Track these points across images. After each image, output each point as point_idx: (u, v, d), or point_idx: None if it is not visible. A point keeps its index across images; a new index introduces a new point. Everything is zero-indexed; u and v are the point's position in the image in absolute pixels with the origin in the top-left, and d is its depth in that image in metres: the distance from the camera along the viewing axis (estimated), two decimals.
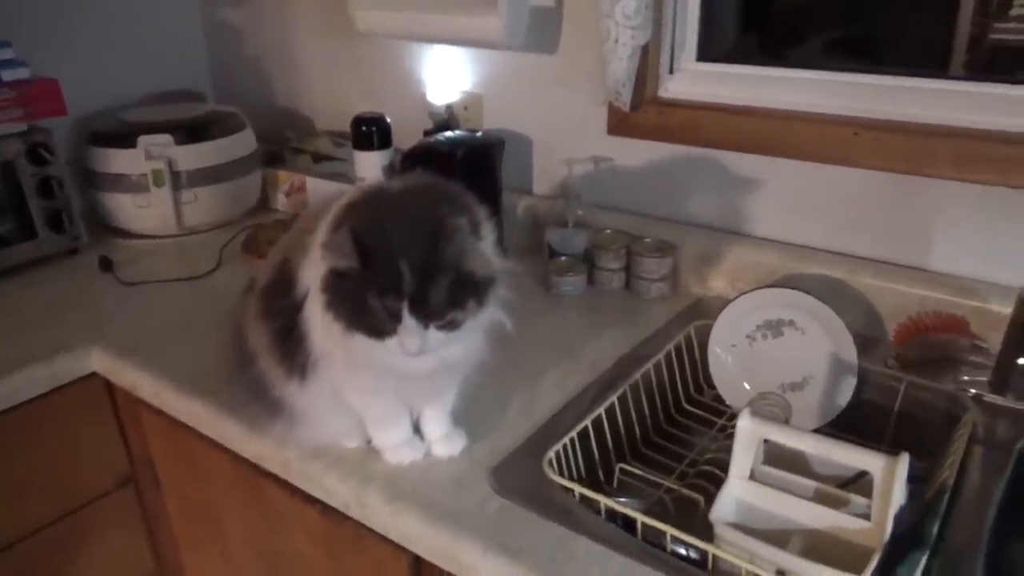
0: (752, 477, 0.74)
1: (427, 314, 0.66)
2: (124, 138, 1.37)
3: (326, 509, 0.83)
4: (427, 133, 1.36)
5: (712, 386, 1.00)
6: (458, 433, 0.84)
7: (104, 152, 1.38)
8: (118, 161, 1.37)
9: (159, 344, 1.06)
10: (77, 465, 1.11)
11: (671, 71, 1.19)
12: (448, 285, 0.66)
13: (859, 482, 0.74)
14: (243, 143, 1.49)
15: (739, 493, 0.73)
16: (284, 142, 1.59)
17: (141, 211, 1.39)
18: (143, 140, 1.36)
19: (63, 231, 1.34)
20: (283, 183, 1.54)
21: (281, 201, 1.56)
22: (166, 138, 1.37)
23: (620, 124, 1.21)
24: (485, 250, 0.72)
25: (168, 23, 1.69)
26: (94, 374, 1.08)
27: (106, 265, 1.30)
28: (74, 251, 1.37)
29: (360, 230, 0.66)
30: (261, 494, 0.93)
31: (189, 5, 1.73)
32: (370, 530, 0.79)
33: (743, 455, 0.73)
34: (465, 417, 0.86)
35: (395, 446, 0.82)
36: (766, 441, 0.74)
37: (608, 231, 1.22)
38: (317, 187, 1.49)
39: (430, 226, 0.67)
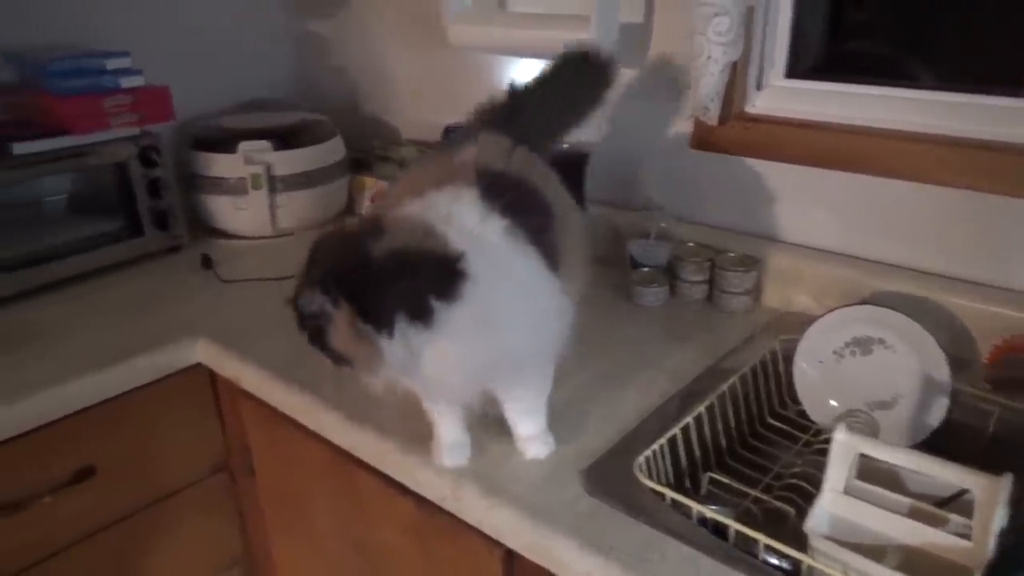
0: (846, 491, 0.75)
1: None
2: (225, 144, 1.45)
3: (420, 501, 0.87)
4: None
5: (796, 401, 1.01)
6: (548, 436, 0.87)
7: (206, 156, 1.46)
8: (219, 165, 1.45)
9: (257, 338, 1.11)
10: (176, 451, 1.18)
11: (759, 87, 1.20)
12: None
13: (957, 501, 0.74)
14: (333, 150, 1.56)
15: (833, 507, 0.74)
16: (370, 150, 1.65)
17: (239, 213, 1.46)
18: (243, 146, 1.44)
19: (167, 230, 1.42)
20: (369, 189, 1.60)
21: (366, 206, 1.61)
22: (264, 144, 1.44)
23: (705, 138, 1.22)
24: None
25: (259, 34, 1.78)
26: (198, 364, 1.14)
27: (207, 263, 1.37)
28: (175, 249, 1.45)
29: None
30: (354, 484, 0.97)
31: (280, 18, 1.81)
32: (464, 523, 0.82)
33: (838, 469, 0.73)
34: (552, 419, 0.88)
35: (440, 446, 0.84)
36: (861, 456, 0.74)
37: (691, 244, 1.24)
38: None
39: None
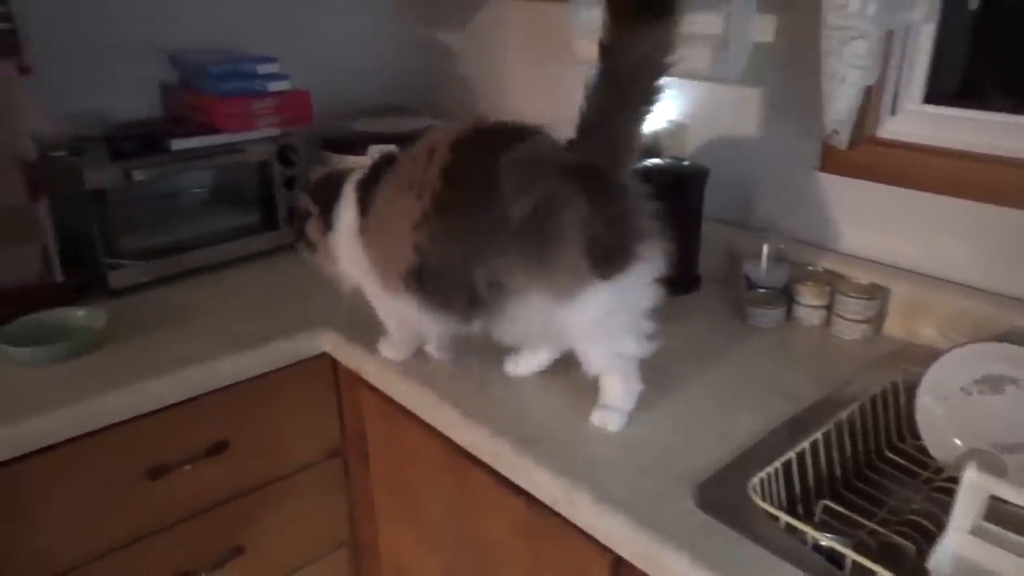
0: (972, 532, 0.73)
1: None
2: (356, 146, 1.53)
3: (531, 501, 0.90)
4: None
5: (916, 436, 0.98)
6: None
7: (338, 158, 1.55)
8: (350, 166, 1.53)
9: (381, 332, 1.17)
10: (298, 433, 1.25)
11: (893, 112, 1.18)
12: None
13: None
14: None
15: (958, 547, 0.72)
16: None
17: None
18: (373, 148, 1.51)
19: None
20: None
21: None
22: (392, 148, 1.51)
23: (833, 161, 1.20)
24: None
25: (392, 44, 1.87)
26: (323, 354, 1.22)
27: None
28: None
29: None
30: (466, 480, 1.02)
31: (412, 28, 1.90)
32: (574, 527, 0.85)
33: (966, 509, 0.72)
34: (664, 431, 0.90)
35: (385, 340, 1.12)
36: (991, 498, 0.72)
37: (811, 267, 1.22)
38: None
39: None
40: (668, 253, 0.90)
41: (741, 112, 1.32)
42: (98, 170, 1.26)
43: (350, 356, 1.16)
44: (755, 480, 0.82)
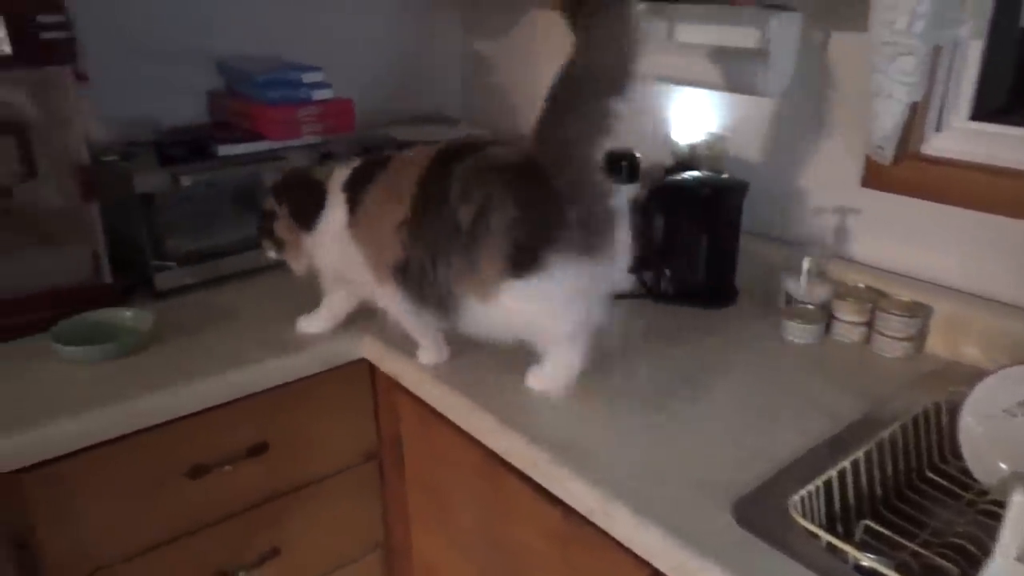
0: (1019, 559, 0.71)
1: None
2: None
3: (568, 511, 0.90)
4: (668, 171, 1.42)
5: (959, 457, 0.96)
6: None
7: None
8: None
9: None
10: (335, 436, 1.27)
11: (938, 128, 1.16)
12: None
13: None
14: None
15: (1005, 573, 0.71)
16: None
17: None
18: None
19: None
20: None
21: None
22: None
23: (876, 177, 1.19)
24: None
25: (433, 53, 1.89)
26: (362, 359, 1.23)
27: None
28: None
29: None
30: (502, 486, 1.02)
31: (452, 38, 1.92)
32: (611, 538, 0.85)
33: (1014, 534, 0.70)
34: (702, 444, 0.90)
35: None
36: None
37: (851, 283, 1.21)
38: None
39: None
40: (631, 257, 1.00)
41: (783, 126, 1.32)
42: (147, 175, 1.29)
43: (388, 361, 1.18)
44: (795, 498, 0.81)
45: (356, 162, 1.12)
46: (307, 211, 1.11)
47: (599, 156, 0.96)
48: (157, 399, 1.05)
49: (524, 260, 0.92)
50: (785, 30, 1.18)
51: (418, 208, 0.98)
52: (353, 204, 1.07)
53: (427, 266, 0.99)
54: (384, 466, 1.33)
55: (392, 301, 1.07)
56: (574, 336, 1.01)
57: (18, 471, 0.96)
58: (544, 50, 1.75)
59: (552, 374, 1.03)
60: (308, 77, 1.44)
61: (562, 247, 0.92)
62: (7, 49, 1.08)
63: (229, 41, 1.59)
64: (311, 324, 1.23)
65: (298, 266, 1.18)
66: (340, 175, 1.11)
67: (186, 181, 1.31)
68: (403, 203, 1.00)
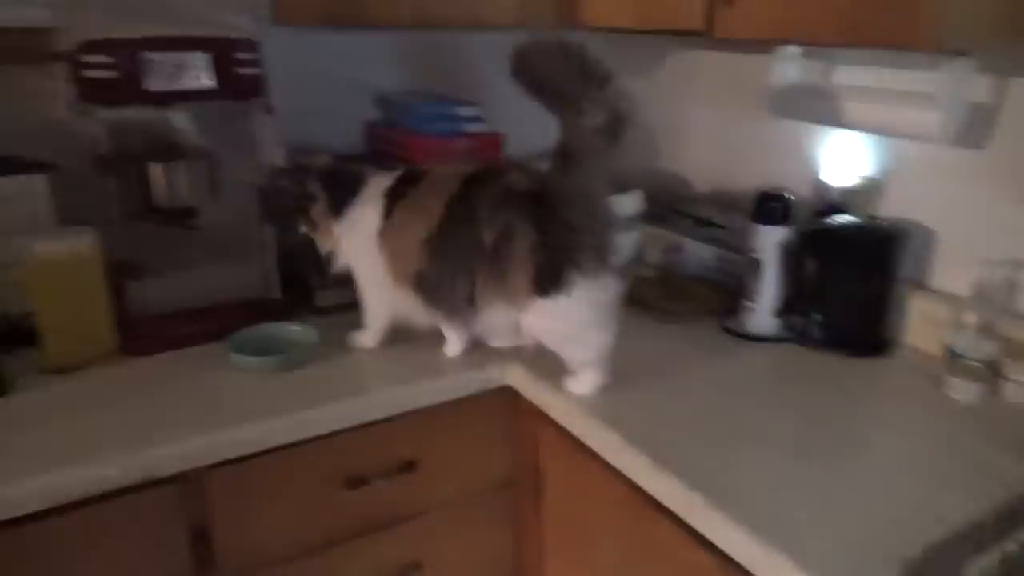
0: None
1: None
2: None
3: (725, 560, 0.89)
4: (818, 213, 1.39)
5: None
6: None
7: None
8: None
9: (564, 369, 1.21)
10: (475, 460, 1.31)
11: None
12: None
13: None
14: (632, 202, 1.64)
15: None
16: (666, 203, 1.72)
17: None
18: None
19: None
20: (660, 241, 1.67)
21: (656, 257, 1.68)
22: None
23: None
24: None
25: None
26: (507, 386, 1.27)
27: None
28: None
29: None
30: (651, 527, 1.02)
31: None
32: None
33: None
34: (865, 501, 0.88)
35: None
36: None
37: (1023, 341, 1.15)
38: (695, 250, 1.59)
39: None
40: (622, 279, 1.12)
41: (950, 174, 1.27)
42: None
43: (535, 391, 1.21)
44: (973, 568, 0.78)
45: (399, 171, 1.23)
46: (341, 202, 1.21)
47: (605, 192, 1.12)
48: (322, 412, 1.12)
49: (548, 280, 1.06)
50: (961, 75, 1.15)
51: (444, 227, 1.11)
52: (388, 212, 1.18)
53: (445, 279, 1.13)
54: (519, 494, 1.35)
55: (388, 305, 1.24)
56: (596, 361, 1.14)
57: (203, 468, 1.05)
58: (688, 90, 1.76)
59: (583, 384, 1.15)
60: (465, 111, 1.50)
61: (582, 269, 1.05)
62: (211, 83, 1.20)
63: (384, 76, 1.68)
64: (364, 339, 1.29)
65: (326, 247, 1.25)
66: (382, 181, 1.22)
67: None
68: (430, 220, 1.12)
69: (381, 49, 1.67)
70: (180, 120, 1.28)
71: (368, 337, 1.29)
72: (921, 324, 1.28)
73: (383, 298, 1.25)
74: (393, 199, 1.19)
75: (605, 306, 1.10)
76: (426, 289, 1.16)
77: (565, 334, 1.12)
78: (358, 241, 1.21)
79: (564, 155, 1.06)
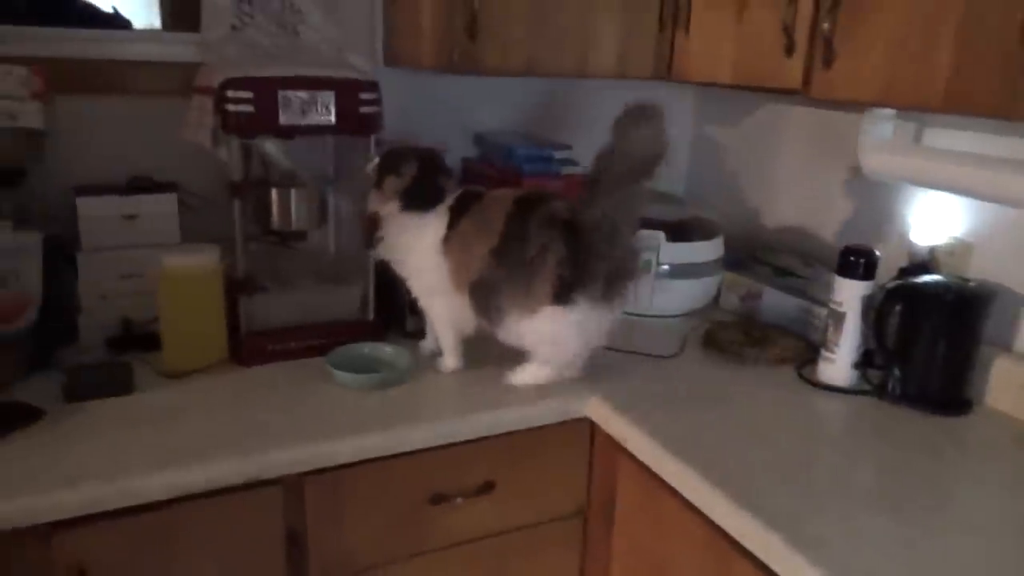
0: None
1: None
2: None
3: None
4: (904, 271, 1.41)
5: None
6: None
7: None
8: None
9: (649, 408, 1.25)
10: (551, 487, 1.36)
11: None
12: None
13: None
14: (715, 247, 1.69)
15: None
16: (747, 251, 1.75)
17: None
18: (641, 234, 1.62)
19: None
20: (739, 287, 1.70)
21: (733, 303, 1.71)
22: (660, 234, 1.62)
23: None
24: None
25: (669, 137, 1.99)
26: (585, 417, 1.32)
27: None
28: None
29: None
30: (726, 566, 1.05)
31: (686, 121, 2.02)
32: None
33: None
34: (956, 563, 0.89)
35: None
36: None
37: None
38: (774, 298, 1.61)
39: None
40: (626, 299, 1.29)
41: None
42: None
43: (614, 424, 1.25)
44: None
45: (459, 190, 1.34)
46: (419, 206, 1.31)
47: (634, 221, 1.28)
48: (415, 430, 1.19)
49: (563, 292, 1.22)
50: None
51: (505, 240, 1.24)
52: (452, 223, 1.29)
53: (498, 285, 1.25)
54: (592, 523, 1.39)
55: (449, 310, 1.33)
56: (568, 364, 1.32)
57: (304, 473, 1.13)
58: (776, 142, 1.80)
59: (530, 375, 1.32)
60: (560, 154, 1.58)
61: (587, 293, 1.23)
62: (331, 119, 1.30)
63: (482, 115, 1.78)
64: (448, 362, 1.37)
65: (375, 207, 1.34)
66: (451, 196, 1.33)
67: None
68: (494, 234, 1.25)
69: (480, 91, 1.77)
70: (297, 151, 1.39)
71: (450, 360, 1.37)
72: (1004, 386, 1.28)
73: (442, 305, 1.34)
74: (457, 212, 1.30)
75: (605, 322, 1.28)
76: (476, 295, 1.28)
77: (553, 338, 1.27)
78: (420, 245, 1.31)
79: (599, 180, 1.24)
